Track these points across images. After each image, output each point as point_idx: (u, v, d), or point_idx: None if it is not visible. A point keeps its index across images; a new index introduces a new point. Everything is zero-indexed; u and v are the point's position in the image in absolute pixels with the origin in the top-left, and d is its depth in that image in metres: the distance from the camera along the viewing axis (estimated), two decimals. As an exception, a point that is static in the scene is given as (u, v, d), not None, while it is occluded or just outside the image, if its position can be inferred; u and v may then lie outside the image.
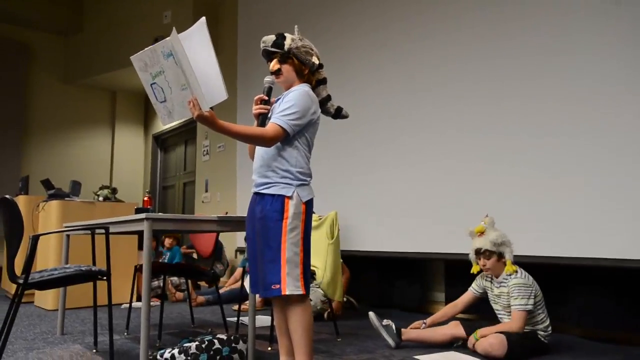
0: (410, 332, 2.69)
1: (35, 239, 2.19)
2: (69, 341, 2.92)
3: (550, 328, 2.53)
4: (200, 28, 1.81)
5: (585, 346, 2.73)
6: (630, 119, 2.60)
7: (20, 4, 7.22)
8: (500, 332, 2.42)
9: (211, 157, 6.74)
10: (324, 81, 1.99)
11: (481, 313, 3.19)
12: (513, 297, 2.47)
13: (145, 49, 1.78)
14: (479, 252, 2.60)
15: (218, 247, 4.74)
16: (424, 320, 2.76)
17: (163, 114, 1.91)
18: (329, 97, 2.01)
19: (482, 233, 2.59)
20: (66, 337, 3.03)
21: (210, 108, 1.77)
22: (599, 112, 2.73)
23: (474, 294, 2.74)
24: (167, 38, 1.72)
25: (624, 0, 2.66)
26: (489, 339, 2.40)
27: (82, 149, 8.06)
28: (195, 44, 1.80)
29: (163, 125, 2.02)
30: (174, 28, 1.72)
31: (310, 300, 3.48)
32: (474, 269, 2.67)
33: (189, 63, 1.72)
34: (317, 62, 1.94)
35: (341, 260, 3.78)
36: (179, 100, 1.83)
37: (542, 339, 2.50)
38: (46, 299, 4.17)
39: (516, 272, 2.53)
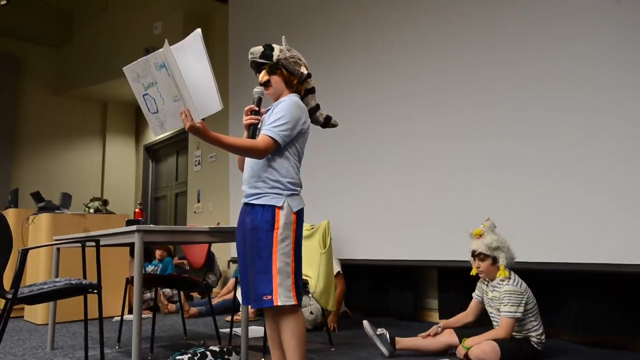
0: (405, 341, 2.68)
1: (24, 253, 2.16)
2: (60, 356, 2.88)
3: (543, 336, 2.53)
4: (194, 39, 1.82)
5: (579, 352, 2.74)
6: (626, 124, 2.61)
7: (11, 17, 7.20)
8: (489, 340, 2.42)
9: (203, 168, 6.73)
10: (312, 90, 2.00)
11: (476, 320, 3.19)
12: (503, 303, 2.48)
13: (138, 60, 1.79)
14: (473, 254, 2.62)
15: (210, 257, 4.72)
16: (439, 325, 2.74)
17: (155, 124, 1.91)
18: (317, 107, 2.02)
19: (480, 236, 2.61)
20: (56, 352, 2.99)
21: (202, 119, 1.77)
22: (593, 118, 2.74)
23: (477, 300, 2.74)
24: (160, 50, 1.72)
25: (624, 0, 2.65)
26: (482, 346, 2.39)
27: (73, 160, 8.02)
28: (189, 55, 1.81)
29: (155, 136, 2.03)
30: (166, 40, 1.73)
31: (312, 313, 3.48)
32: (473, 272, 2.68)
33: (181, 74, 1.72)
34: (305, 71, 1.95)
35: (340, 271, 3.77)
36: (171, 112, 1.83)
37: (535, 346, 2.50)
38: (36, 313, 4.12)
39: (509, 278, 2.53)
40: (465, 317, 2.77)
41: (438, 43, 3.59)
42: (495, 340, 2.41)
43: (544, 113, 2.95)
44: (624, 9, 2.65)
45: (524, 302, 2.46)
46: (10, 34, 7.46)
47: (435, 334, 2.69)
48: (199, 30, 1.81)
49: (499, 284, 2.55)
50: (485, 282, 2.67)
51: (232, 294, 4.55)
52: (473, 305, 2.76)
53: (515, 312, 2.44)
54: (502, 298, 2.48)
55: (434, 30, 3.64)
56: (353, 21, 4.31)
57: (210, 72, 1.81)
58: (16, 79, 7.51)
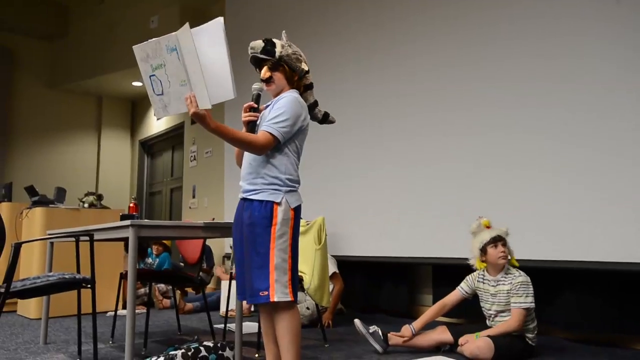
0: (397, 337, 2.68)
1: (17, 247, 2.15)
2: (53, 350, 2.87)
3: (536, 330, 2.55)
4: (215, 26, 1.80)
5: (572, 348, 2.76)
6: (624, 123, 2.61)
7: (4, 9, 7.14)
8: (497, 334, 2.45)
9: (198, 163, 6.71)
10: (310, 86, 1.99)
11: (468, 317, 3.20)
12: (517, 294, 2.48)
13: (150, 40, 1.78)
14: (496, 240, 2.56)
15: (206, 253, 4.70)
16: (412, 325, 2.68)
17: (158, 106, 1.90)
18: (316, 103, 2.01)
19: (488, 227, 2.62)
20: (49, 347, 2.98)
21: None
22: (593, 117, 2.73)
23: (463, 295, 2.72)
24: (174, 33, 1.71)
25: (623, 0, 2.65)
26: (477, 342, 2.40)
27: (68, 154, 7.97)
28: (207, 40, 1.80)
29: (157, 118, 2.02)
30: (187, 23, 1.72)
31: (308, 309, 3.48)
32: (480, 266, 2.63)
33: (196, 59, 1.71)
34: (305, 68, 1.94)
35: (336, 271, 3.77)
36: (176, 96, 1.82)
37: (530, 342, 2.52)
38: (29, 307, 4.10)
39: (518, 268, 2.57)
40: (442, 308, 2.72)
41: (438, 39, 3.58)
42: (490, 337, 2.42)
43: (543, 111, 2.95)
44: (623, 8, 2.65)
45: (532, 292, 2.49)
46: (4, 27, 7.38)
47: (402, 337, 2.66)
48: (221, 18, 1.80)
49: (505, 277, 2.55)
50: (481, 279, 2.66)
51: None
52: (454, 297, 2.72)
53: (531, 302, 2.47)
54: (518, 289, 2.49)
55: (433, 26, 3.62)
56: (352, 15, 4.29)
57: (228, 60, 1.80)
58: (10, 73, 7.45)
